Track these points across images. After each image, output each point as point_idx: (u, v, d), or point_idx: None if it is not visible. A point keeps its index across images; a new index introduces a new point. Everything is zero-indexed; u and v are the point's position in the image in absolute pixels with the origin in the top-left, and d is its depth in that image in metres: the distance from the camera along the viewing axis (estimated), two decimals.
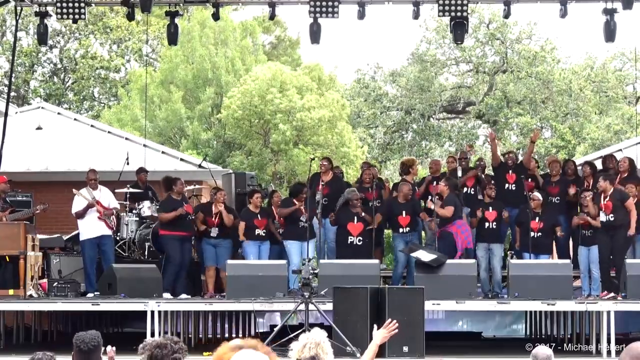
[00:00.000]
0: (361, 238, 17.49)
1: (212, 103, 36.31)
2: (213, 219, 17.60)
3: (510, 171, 18.58)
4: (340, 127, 35.22)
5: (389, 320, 7.78)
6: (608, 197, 16.52)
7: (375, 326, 7.90)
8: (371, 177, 18.53)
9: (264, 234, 17.70)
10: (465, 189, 18.19)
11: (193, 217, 17.75)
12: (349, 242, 17.49)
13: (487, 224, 17.51)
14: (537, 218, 17.27)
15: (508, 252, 19.26)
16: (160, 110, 36.19)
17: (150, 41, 41.62)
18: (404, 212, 17.69)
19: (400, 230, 17.78)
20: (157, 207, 18.16)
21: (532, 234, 17.17)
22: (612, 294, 16.06)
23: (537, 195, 17.49)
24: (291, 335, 10.96)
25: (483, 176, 18.61)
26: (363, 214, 17.60)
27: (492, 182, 18.06)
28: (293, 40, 42.79)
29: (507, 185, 18.44)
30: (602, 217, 16.53)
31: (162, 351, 5.86)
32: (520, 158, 19.86)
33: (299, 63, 40.11)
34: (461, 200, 17.65)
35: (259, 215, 17.74)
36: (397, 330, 7.79)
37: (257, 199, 17.83)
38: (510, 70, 40.54)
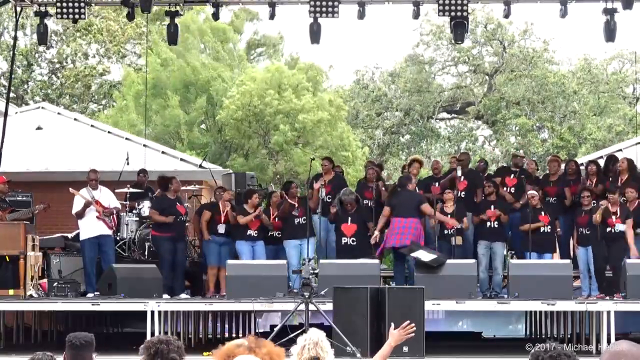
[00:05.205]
0: (355, 239, 17.48)
1: (204, 105, 36.23)
2: (221, 215, 17.65)
3: (512, 175, 18.55)
4: (340, 129, 35.14)
5: (407, 322, 7.74)
6: (618, 214, 16.54)
7: (392, 325, 7.86)
8: (375, 176, 18.50)
9: (255, 234, 17.73)
10: (457, 192, 18.13)
11: (187, 219, 17.83)
12: (343, 243, 17.51)
13: (488, 223, 17.49)
14: (543, 212, 17.27)
15: (508, 252, 19.23)
16: (157, 116, 36.07)
17: (142, 42, 41.52)
18: None
19: None
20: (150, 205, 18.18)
21: (542, 229, 17.19)
22: (608, 297, 16.06)
23: (532, 192, 17.45)
24: (291, 336, 10.93)
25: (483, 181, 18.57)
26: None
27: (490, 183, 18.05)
28: (275, 38, 42.28)
29: (506, 189, 18.40)
30: (602, 228, 16.56)
31: (167, 347, 5.91)
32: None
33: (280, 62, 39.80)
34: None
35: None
36: (413, 334, 7.75)
37: (255, 199, 17.86)
38: (508, 71, 40.50)
